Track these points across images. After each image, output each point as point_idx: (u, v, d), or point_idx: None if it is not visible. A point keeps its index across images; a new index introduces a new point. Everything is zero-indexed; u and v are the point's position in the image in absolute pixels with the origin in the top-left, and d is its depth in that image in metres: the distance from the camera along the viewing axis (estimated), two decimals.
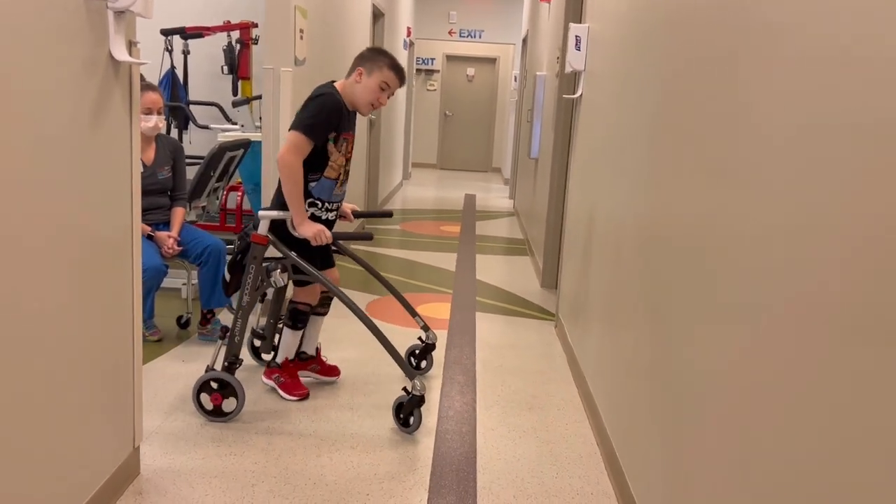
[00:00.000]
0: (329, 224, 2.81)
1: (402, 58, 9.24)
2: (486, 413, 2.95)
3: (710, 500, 1.60)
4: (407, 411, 2.67)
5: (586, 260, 3.37)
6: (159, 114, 3.42)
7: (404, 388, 2.69)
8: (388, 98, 2.67)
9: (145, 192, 3.29)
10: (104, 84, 1.92)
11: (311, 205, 2.73)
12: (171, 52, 5.47)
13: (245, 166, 4.66)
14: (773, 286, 1.37)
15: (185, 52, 5.66)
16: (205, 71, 6.02)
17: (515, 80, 10.93)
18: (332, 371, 3.14)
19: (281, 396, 2.93)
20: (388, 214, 3.18)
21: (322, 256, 2.90)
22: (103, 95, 1.92)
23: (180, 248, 3.43)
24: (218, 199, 4.61)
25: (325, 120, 2.58)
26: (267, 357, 3.15)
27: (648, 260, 2.27)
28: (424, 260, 5.73)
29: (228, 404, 2.71)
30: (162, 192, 3.53)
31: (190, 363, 3.26)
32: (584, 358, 3.23)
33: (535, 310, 4.53)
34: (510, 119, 11.73)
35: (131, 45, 2.03)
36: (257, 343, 3.27)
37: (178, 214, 3.54)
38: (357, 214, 3.12)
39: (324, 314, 3.08)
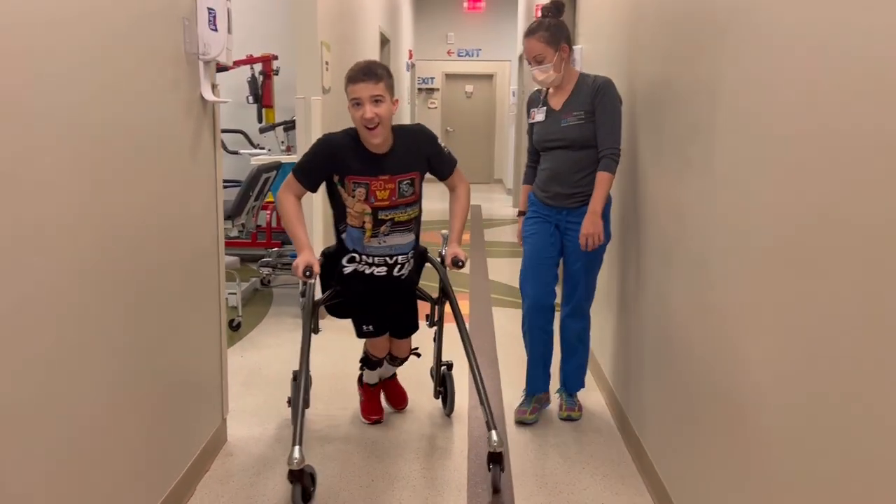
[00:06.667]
0: (380, 281, 2.57)
1: (404, 79, 9.74)
2: (515, 399, 3.26)
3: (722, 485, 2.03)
4: None
5: None
6: (544, 62, 2.80)
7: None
8: (372, 104, 2.33)
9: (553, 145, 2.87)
10: (198, 120, 2.39)
11: (351, 260, 2.55)
12: None
13: (276, 186, 5.14)
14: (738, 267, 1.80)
15: (214, 85, 6.14)
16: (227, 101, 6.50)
17: (514, 94, 11.41)
18: (401, 400, 3.13)
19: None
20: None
21: (363, 311, 2.61)
22: (198, 129, 2.39)
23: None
24: (254, 216, 5.08)
25: (312, 162, 2.47)
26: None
27: (660, 253, 2.72)
28: None
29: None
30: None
31: (247, 357, 3.73)
32: (598, 347, 3.64)
33: None
34: (510, 132, 12.22)
35: (213, 88, 2.51)
36: None
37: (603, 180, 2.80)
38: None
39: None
